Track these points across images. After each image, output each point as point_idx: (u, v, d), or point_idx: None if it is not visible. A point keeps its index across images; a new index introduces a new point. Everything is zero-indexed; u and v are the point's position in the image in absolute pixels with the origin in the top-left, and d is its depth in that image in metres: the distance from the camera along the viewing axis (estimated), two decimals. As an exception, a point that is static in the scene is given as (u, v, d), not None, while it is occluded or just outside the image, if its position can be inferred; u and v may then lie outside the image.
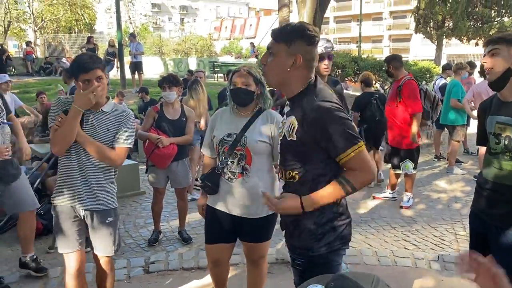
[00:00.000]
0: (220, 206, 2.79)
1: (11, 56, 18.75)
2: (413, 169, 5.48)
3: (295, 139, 1.87)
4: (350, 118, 1.87)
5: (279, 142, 2.03)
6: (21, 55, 20.68)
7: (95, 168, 2.64)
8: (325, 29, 49.85)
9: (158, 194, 4.48)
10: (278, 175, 2.11)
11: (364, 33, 30.43)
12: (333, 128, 1.77)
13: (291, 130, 1.89)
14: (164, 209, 4.83)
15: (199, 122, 5.69)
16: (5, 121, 3.43)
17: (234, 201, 2.74)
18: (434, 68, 13.19)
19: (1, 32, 30.44)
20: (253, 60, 18.94)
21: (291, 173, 1.94)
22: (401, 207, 5.51)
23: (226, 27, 37.91)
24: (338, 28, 53.30)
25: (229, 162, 2.71)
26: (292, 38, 1.83)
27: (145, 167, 4.57)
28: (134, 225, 4.97)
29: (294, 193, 1.91)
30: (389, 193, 5.84)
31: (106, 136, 2.63)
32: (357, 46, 26.99)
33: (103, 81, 2.56)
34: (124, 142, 2.67)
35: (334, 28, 53.55)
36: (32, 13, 34.25)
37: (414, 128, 5.22)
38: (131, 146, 2.74)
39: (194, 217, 4.92)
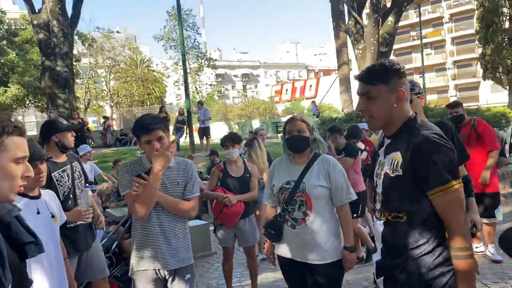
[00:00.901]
0: (286, 254, 2.79)
1: (90, 130, 20.41)
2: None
3: (400, 173, 1.83)
4: (454, 150, 1.84)
5: (381, 182, 1.97)
6: (100, 129, 22.44)
7: (172, 223, 2.66)
8: (387, 83, 49.51)
9: (228, 253, 4.45)
10: (377, 215, 2.01)
11: (428, 84, 29.83)
12: (437, 157, 1.75)
13: (395, 166, 1.86)
14: (236, 269, 4.78)
15: (262, 178, 5.72)
16: (87, 185, 3.63)
17: (299, 248, 2.73)
18: (510, 113, 12.48)
19: (82, 109, 33.47)
20: (315, 119, 19.08)
21: (398, 214, 1.87)
22: (494, 261, 5.00)
23: (286, 90, 38.92)
24: (400, 81, 52.74)
25: (290, 209, 2.75)
26: (388, 76, 1.86)
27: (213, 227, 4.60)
28: (207, 286, 4.94)
29: (401, 235, 1.84)
30: (476, 247, 5.35)
31: (178, 189, 2.67)
32: (422, 98, 26.34)
33: (164, 141, 2.60)
34: (195, 192, 2.70)
35: (396, 82, 53.02)
36: (109, 91, 37.56)
37: (491, 162, 4.92)
38: (199, 194, 2.78)
39: (267, 277, 4.82)
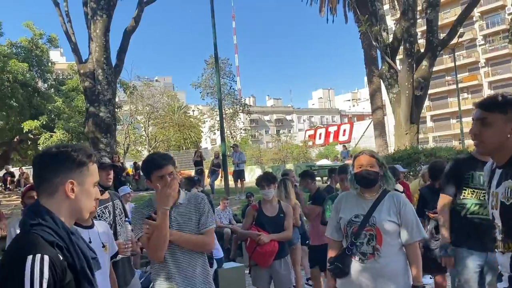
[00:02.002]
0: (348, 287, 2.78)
1: (129, 173, 20.99)
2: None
3: None
4: None
5: (498, 213, 1.99)
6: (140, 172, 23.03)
7: (190, 260, 2.65)
8: (423, 128, 48.82)
9: (263, 295, 4.43)
10: (500, 246, 2.00)
11: (465, 129, 29.14)
12: None
13: (509, 194, 1.90)
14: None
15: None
16: (127, 219, 3.77)
17: (367, 283, 2.72)
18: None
19: (121, 154, 34.54)
20: (349, 162, 18.93)
21: None
22: None
23: (320, 135, 38.96)
24: (437, 126, 51.83)
25: (358, 243, 2.75)
26: (507, 107, 1.92)
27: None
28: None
29: None
30: None
31: (191, 225, 2.68)
32: (460, 143, 25.78)
33: (174, 177, 2.64)
34: (209, 225, 2.71)
35: (432, 127, 52.15)
36: (147, 136, 38.78)
37: None
38: (214, 225, 2.81)
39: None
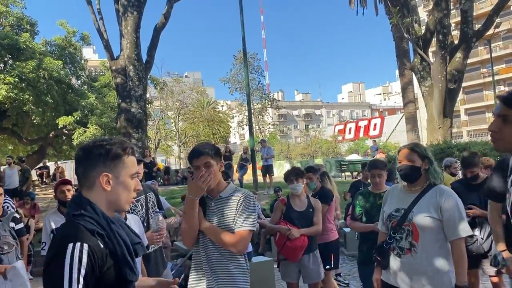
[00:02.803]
0: (392, 281, 2.78)
1: (160, 168, 21.36)
2: None
3: None
4: None
5: None
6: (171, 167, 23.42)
7: (222, 257, 2.55)
8: (457, 122, 47.46)
9: (292, 289, 4.43)
10: None
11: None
12: None
13: None
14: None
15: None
16: (158, 210, 3.82)
17: (403, 277, 2.71)
18: None
19: (153, 149, 35.19)
20: (380, 156, 18.63)
21: None
22: None
23: (350, 129, 38.48)
24: (471, 120, 50.32)
25: (397, 237, 2.74)
26: None
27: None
28: (270, 322, 4.89)
29: None
30: None
31: (226, 221, 2.55)
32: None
33: (212, 168, 2.53)
34: (243, 225, 2.51)
35: (467, 121, 50.67)
36: (177, 131, 39.32)
37: None
38: (253, 229, 2.56)
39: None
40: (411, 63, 17.82)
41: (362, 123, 37.88)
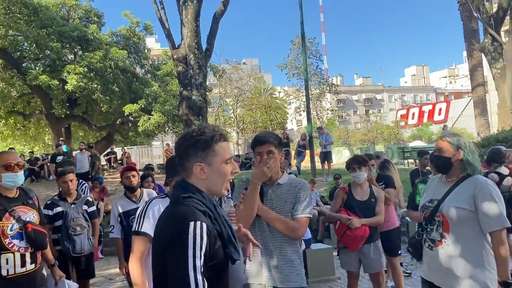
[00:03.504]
0: (425, 275, 2.72)
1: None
2: None
3: None
4: None
5: None
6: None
7: (279, 241, 2.64)
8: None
9: (352, 278, 4.37)
10: None
11: None
12: None
13: None
14: (359, 295, 4.64)
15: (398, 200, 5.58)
16: (229, 196, 3.93)
17: (434, 269, 2.64)
18: None
19: (212, 135, 35.98)
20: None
21: None
22: None
23: (413, 114, 36.99)
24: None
25: (429, 229, 2.69)
26: None
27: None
28: (331, 310, 4.89)
29: None
30: None
31: (285, 207, 2.66)
32: None
33: (274, 156, 2.65)
34: (302, 212, 2.65)
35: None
36: (236, 118, 39.87)
37: None
38: (310, 215, 2.73)
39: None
40: (481, 43, 16.74)
41: (426, 108, 36.26)
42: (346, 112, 64.55)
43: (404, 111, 39.32)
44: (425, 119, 34.21)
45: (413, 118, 36.29)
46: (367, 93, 70.04)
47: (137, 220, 2.74)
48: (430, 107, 36.18)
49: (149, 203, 2.77)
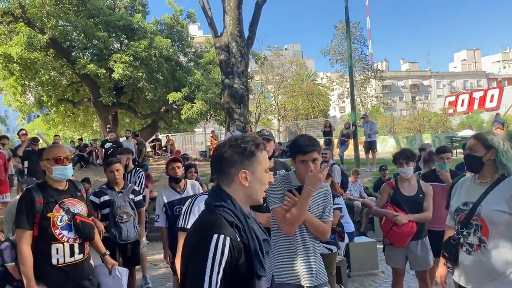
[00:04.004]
0: (461, 280, 2.61)
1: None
2: None
3: None
4: None
5: None
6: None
7: (314, 243, 2.77)
8: None
9: (397, 275, 4.26)
10: None
11: None
12: None
13: None
14: (405, 292, 4.52)
15: None
16: None
17: (471, 275, 2.54)
18: None
19: (253, 123, 36.11)
20: (498, 132, 16.91)
21: None
22: None
23: (462, 101, 35.44)
24: None
25: (465, 233, 2.57)
26: None
27: (382, 245, 4.45)
28: (374, 305, 4.80)
29: None
30: None
31: (317, 210, 2.78)
32: None
33: (318, 163, 2.72)
34: (329, 216, 2.81)
35: None
36: (277, 105, 39.70)
37: None
38: (331, 218, 2.88)
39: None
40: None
41: (477, 94, 34.62)
42: (392, 98, 62.73)
43: (452, 98, 37.74)
44: (475, 106, 32.71)
45: (462, 105, 34.78)
46: (413, 79, 67.67)
47: (183, 216, 2.82)
48: (481, 93, 34.51)
49: (195, 199, 2.82)
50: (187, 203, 2.89)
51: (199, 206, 2.75)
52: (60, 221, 3.03)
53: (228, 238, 1.50)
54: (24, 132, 9.86)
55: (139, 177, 6.31)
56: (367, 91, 44.53)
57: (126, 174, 6.24)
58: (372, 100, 45.24)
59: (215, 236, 1.49)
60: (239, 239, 1.55)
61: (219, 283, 1.46)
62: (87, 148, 17.06)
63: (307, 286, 2.68)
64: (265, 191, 1.75)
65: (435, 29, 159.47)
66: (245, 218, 1.63)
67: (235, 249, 1.52)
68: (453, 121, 29.92)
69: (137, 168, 6.49)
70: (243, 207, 1.66)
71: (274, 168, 3.78)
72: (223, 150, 1.70)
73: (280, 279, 2.74)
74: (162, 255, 4.88)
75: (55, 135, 13.59)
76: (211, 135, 18.86)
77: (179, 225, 2.84)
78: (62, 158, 3.08)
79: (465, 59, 78.29)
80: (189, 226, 2.67)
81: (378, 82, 48.50)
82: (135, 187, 5.12)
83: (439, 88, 66.71)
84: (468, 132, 20.35)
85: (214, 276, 1.45)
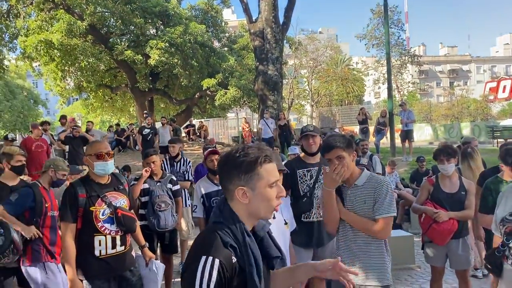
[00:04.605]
0: None
1: (292, 127, 21.72)
2: None
3: None
4: None
5: None
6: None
7: (362, 242, 2.67)
8: None
9: (436, 273, 4.18)
10: None
11: None
12: None
13: None
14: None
15: None
16: None
17: None
18: None
19: (285, 108, 35.93)
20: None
21: None
22: None
23: (504, 87, 33.90)
24: None
25: (511, 245, 2.41)
26: None
27: (419, 239, 4.38)
28: (411, 302, 4.76)
29: None
30: None
31: (365, 208, 2.65)
32: None
33: (344, 160, 2.62)
34: (384, 212, 2.61)
35: None
36: (311, 90, 39.26)
37: None
38: (394, 214, 2.66)
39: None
40: None
41: (521, 81, 33.04)
42: (428, 84, 60.84)
43: (493, 84, 36.14)
44: (519, 93, 31.25)
45: (504, 91, 33.25)
46: (452, 63, 65.28)
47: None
48: (525, 79, 32.92)
49: (195, 185, 2.88)
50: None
51: None
52: (103, 215, 3.14)
53: (217, 261, 1.45)
54: (67, 118, 10.37)
55: (190, 166, 6.47)
56: (404, 76, 43.35)
57: (175, 163, 6.39)
58: (409, 86, 44.06)
59: (203, 258, 1.46)
60: (234, 260, 1.49)
61: None
62: (124, 133, 17.49)
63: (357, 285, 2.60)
64: None
65: (476, 11, 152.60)
66: (243, 238, 1.53)
67: (227, 271, 1.46)
68: (493, 109, 28.79)
69: (186, 158, 6.64)
70: (247, 224, 1.57)
71: (318, 164, 3.78)
72: (222, 163, 1.62)
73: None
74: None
75: (88, 121, 13.93)
76: (243, 121, 18.84)
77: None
78: (104, 153, 3.17)
79: (508, 43, 74.60)
80: None
81: (415, 68, 47.08)
82: (173, 177, 5.24)
83: (479, 73, 64.16)
84: (510, 122, 19.54)
85: None
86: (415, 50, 47.03)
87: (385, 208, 2.61)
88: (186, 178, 6.33)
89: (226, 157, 1.61)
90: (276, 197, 1.60)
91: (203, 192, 4.73)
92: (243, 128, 18.12)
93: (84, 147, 6.24)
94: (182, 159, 6.49)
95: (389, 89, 14.52)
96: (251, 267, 1.50)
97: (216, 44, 23.57)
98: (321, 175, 3.70)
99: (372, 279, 2.63)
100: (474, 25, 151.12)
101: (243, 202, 1.56)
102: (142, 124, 14.49)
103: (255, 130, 17.56)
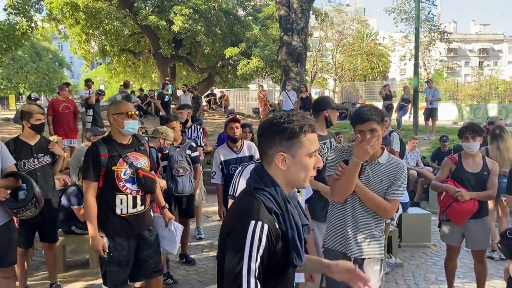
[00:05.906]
0: None
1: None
2: None
3: None
4: None
5: None
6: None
7: (368, 217, 2.70)
8: None
9: (452, 252, 4.14)
10: None
11: None
12: None
13: None
14: (458, 269, 4.43)
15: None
16: None
17: None
18: None
19: (308, 81, 35.49)
20: None
21: None
22: None
23: (537, 69, 32.75)
24: None
25: None
26: None
27: (436, 218, 4.34)
28: (425, 279, 4.77)
29: None
30: None
31: (380, 186, 2.67)
32: None
33: (377, 134, 2.58)
34: (396, 195, 2.66)
35: None
36: (334, 64, 38.58)
37: None
38: (401, 198, 2.74)
39: (495, 284, 4.33)
40: None
41: (555, 63, 31.78)
42: (457, 63, 59.06)
43: (526, 65, 34.92)
44: (552, 76, 30.15)
45: (536, 73, 32.15)
46: (483, 42, 63.01)
47: (232, 184, 2.90)
48: (560, 61, 31.65)
49: (245, 167, 2.88)
50: (237, 171, 2.95)
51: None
52: (124, 174, 3.18)
53: (266, 226, 1.45)
54: (91, 82, 10.63)
55: (200, 132, 6.53)
56: (431, 53, 42.09)
57: (186, 129, 6.44)
58: (436, 64, 42.83)
59: (253, 222, 1.44)
60: (277, 226, 1.50)
61: (257, 271, 1.42)
62: (146, 99, 17.61)
63: (353, 258, 2.68)
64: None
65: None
66: (285, 204, 1.55)
67: (273, 236, 1.47)
68: (523, 91, 27.89)
69: (196, 124, 6.68)
70: (284, 190, 1.58)
71: (327, 136, 3.82)
72: (264, 127, 1.59)
73: (329, 244, 2.84)
74: (213, 208, 5.06)
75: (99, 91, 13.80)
76: (260, 89, 17.65)
77: (230, 193, 2.94)
78: (133, 113, 3.22)
79: (545, 23, 71.50)
80: (237, 195, 2.74)
81: (444, 45, 45.64)
82: (192, 143, 5.27)
83: (510, 53, 61.87)
84: (540, 104, 18.89)
85: (253, 264, 1.41)
86: (445, 27, 45.39)
87: (400, 191, 2.67)
88: (198, 144, 6.38)
89: (269, 121, 1.60)
90: (314, 167, 1.60)
91: (222, 159, 4.78)
92: (259, 97, 17.33)
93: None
94: (192, 126, 6.53)
95: (416, 65, 14.11)
96: (293, 232, 1.53)
97: (241, 12, 23.23)
98: (331, 147, 3.70)
99: (371, 252, 2.71)
100: (509, 2, 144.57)
101: (281, 168, 1.56)
102: (161, 91, 14.55)
103: (273, 101, 17.33)
